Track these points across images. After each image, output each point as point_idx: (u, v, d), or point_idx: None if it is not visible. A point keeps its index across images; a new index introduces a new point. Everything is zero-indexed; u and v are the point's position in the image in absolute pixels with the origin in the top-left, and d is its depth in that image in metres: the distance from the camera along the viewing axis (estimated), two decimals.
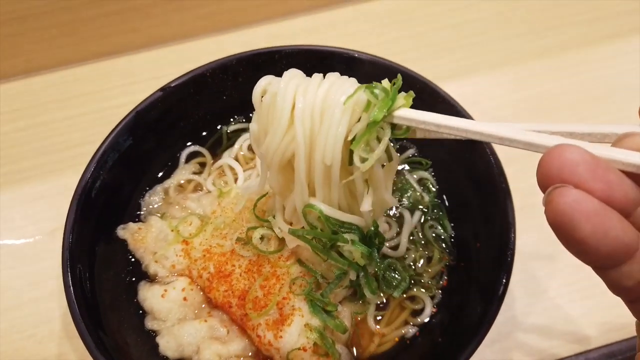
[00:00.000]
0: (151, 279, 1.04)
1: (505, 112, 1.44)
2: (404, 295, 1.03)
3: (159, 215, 1.10)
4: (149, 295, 0.98)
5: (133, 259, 1.06)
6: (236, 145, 1.20)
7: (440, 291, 1.06)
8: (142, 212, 1.12)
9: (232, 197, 1.08)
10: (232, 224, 1.03)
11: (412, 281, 1.04)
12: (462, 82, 1.48)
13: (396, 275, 1.02)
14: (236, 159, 1.20)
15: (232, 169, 1.18)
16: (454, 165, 1.11)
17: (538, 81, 1.49)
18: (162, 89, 1.08)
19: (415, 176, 1.17)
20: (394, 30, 1.60)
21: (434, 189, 1.16)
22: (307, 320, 0.90)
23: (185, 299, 0.98)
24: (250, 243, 0.96)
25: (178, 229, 1.04)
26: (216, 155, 1.21)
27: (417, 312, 1.04)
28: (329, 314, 0.92)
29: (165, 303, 0.96)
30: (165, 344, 0.93)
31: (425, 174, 1.18)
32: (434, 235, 1.10)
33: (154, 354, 0.96)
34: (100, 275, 0.96)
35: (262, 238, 0.97)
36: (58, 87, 1.49)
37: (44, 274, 1.18)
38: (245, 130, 1.23)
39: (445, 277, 1.07)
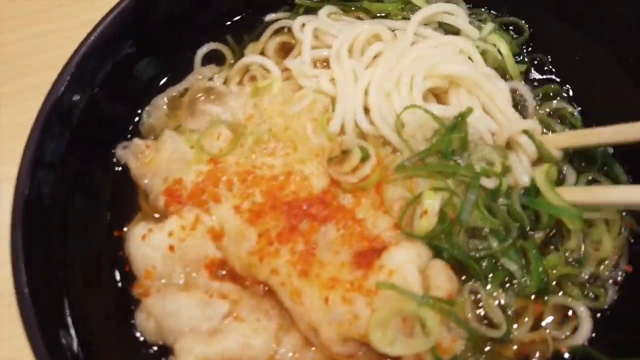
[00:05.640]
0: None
1: None
2: (545, 300, 0.64)
3: (171, 129, 0.79)
4: (130, 235, 0.70)
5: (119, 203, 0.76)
6: (262, 39, 0.87)
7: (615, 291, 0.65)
8: (141, 130, 0.81)
9: (276, 92, 0.78)
10: (284, 134, 0.75)
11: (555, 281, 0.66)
12: None
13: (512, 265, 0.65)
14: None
15: (264, 68, 0.84)
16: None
17: None
18: None
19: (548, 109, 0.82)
20: None
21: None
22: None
23: (171, 248, 0.67)
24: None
25: (201, 143, 0.74)
26: (236, 54, 0.88)
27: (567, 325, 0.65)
28: None
29: (146, 249, 0.67)
30: (142, 323, 0.66)
31: (564, 105, 0.82)
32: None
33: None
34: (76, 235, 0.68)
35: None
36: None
37: None
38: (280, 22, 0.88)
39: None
